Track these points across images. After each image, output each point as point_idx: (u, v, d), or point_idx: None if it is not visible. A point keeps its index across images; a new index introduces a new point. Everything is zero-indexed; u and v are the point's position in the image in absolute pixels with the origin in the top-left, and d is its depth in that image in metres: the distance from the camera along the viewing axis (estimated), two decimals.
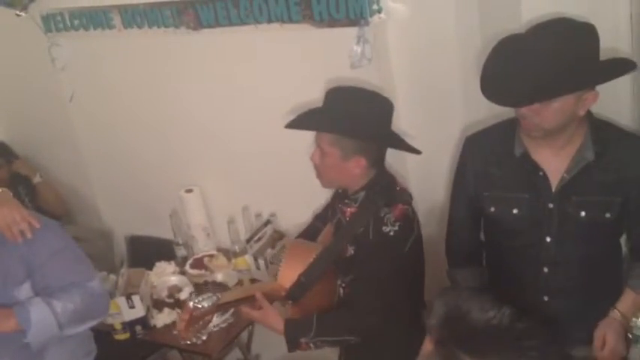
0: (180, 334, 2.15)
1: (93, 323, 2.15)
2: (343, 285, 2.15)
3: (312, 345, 2.05)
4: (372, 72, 2.30)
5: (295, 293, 2.10)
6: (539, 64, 1.73)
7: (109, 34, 2.89)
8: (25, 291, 2.04)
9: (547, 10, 1.84)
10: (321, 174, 2.10)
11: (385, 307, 2.01)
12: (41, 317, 1.98)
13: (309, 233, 2.42)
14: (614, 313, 1.99)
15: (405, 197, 2.09)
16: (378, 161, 2.05)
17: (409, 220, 2.03)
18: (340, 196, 2.17)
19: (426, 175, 2.34)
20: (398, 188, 2.10)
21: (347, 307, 2.08)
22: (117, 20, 2.84)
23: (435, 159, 2.38)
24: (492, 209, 2.02)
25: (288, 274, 2.11)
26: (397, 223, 1.98)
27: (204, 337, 2.55)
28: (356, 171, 2.02)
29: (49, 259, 2.06)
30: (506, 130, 1.98)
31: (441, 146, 2.36)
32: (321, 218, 2.47)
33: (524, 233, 1.99)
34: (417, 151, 2.07)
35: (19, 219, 2.01)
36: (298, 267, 2.10)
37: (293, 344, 2.06)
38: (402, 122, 2.26)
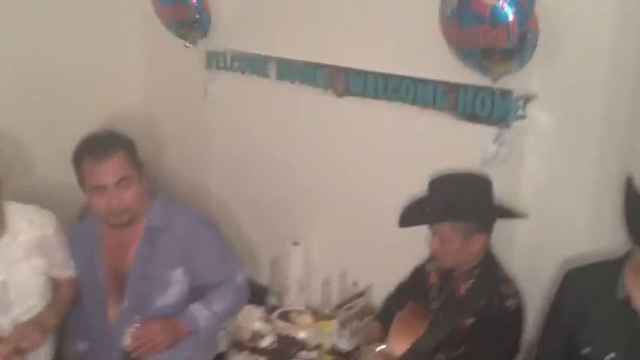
0: None
1: (239, 311, 2.54)
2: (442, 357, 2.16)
3: None
4: (501, 173, 2.27)
5: None
6: None
7: (262, 81, 3.06)
8: (178, 275, 2.32)
9: None
10: (443, 258, 2.18)
11: None
12: (207, 323, 2.32)
13: (387, 317, 2.43)
14: None
15: (510, 273, 2.16)
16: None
17: (522, 296, 2.10)
18: (444, 276, 2.24)
19: None
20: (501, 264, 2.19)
21: None
22: (272, 70, 3.01)
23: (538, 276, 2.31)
24: (586, 351, 1.94)
25: (399, 343, 2.19)
26: (516, 297, 2.07)
27: None
28: (476, 248, 2.12)
29: (204, 255, 2.37)
30: (611, 271, 1.92)
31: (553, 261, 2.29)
32: (395, 304, 2.46)
33: None
34: (524, 215, 2.15)
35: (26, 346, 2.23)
36: (409, 337, 2.18)
37: None
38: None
